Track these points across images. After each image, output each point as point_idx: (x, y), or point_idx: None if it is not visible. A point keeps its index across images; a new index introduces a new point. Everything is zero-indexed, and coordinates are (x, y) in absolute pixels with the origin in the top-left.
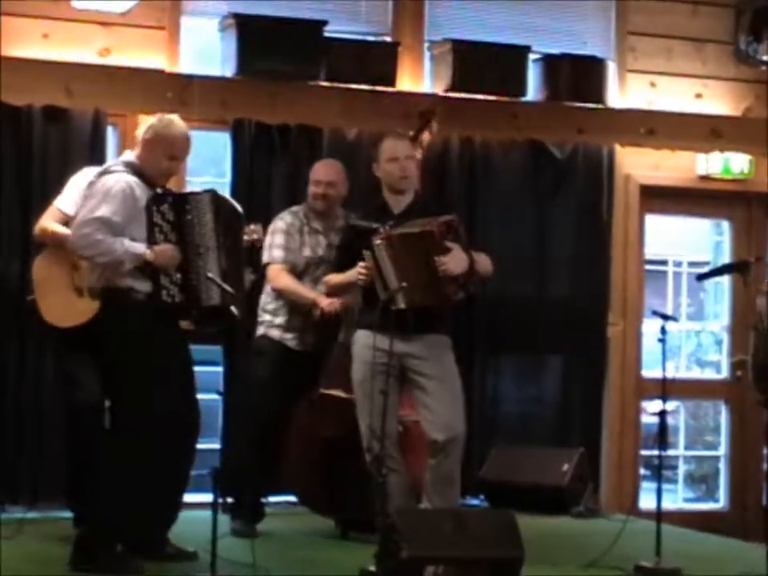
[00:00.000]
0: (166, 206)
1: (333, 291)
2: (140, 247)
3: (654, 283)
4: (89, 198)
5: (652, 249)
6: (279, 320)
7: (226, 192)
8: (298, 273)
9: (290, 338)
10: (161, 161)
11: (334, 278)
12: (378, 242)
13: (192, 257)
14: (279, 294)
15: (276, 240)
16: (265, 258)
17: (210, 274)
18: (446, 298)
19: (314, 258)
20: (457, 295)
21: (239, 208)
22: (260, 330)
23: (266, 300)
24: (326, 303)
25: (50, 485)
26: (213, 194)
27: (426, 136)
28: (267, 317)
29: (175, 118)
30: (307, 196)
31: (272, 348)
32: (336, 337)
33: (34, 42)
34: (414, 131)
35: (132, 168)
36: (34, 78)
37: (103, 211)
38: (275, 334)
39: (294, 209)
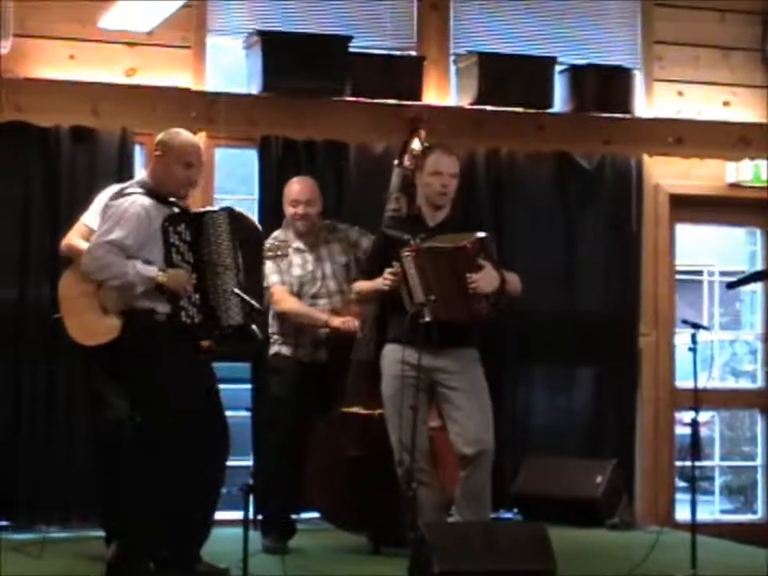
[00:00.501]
0: (183, 226)
1: (361, 298)
2: (151, 270)
3: (689, 294)
4: (104, 221)
5: (686, 259)
6: (289, 339)
7: (254, 209)
8: (294, 294)
9: (302, 354)
10: (177, 171)
11: (363, 285)
12: (407, 253)
13: (210, 276)
14: (284, 317)
15: (266, 268)
16: (264, 284)
17: (235, 290)
18: (476, 316)
19: (305, 275)
20: (488, 314)
21: (257, 224)
22: (273, 349)
23: (272, 323)
24: (339, 322)
25: (82, 504)
26: (229, 212)
27: (415, 144)
28: (276, 336)
29: (181, 129)
30: (286, 217)
31: (286, 365)
32: (350, 348)
33: (61, 63)
34: (403, 140)
35: (147, 188)
36: (61, 98)
37: (116, 234)
38: (287, 351)
39: (274, 234)
